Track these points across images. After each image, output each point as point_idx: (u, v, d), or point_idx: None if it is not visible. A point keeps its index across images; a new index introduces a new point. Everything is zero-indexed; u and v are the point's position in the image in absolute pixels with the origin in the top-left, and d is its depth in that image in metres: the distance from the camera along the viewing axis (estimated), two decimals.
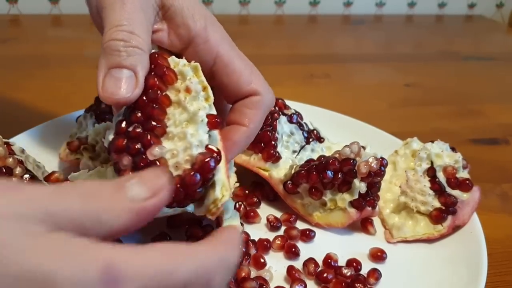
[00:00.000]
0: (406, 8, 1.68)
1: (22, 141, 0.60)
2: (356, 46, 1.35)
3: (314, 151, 0.64)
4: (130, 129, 0.38)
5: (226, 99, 0.48)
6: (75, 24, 1.32)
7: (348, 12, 1.63)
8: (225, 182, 0.41)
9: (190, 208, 0.43)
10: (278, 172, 0.60)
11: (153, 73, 0.40)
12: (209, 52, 0.45)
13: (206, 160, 0.38)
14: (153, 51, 0.42)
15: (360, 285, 0.49)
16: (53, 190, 0.25)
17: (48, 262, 0.22)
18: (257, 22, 1.48)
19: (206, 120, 0.40)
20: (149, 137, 0.38)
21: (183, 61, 0.42)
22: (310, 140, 0.65)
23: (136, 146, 0.37)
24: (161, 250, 0.25)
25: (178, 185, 0.38)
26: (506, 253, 0.58)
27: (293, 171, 0.58)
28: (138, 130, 0.38)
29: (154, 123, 0.39)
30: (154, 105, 0.39)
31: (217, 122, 0.41)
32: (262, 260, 0.52)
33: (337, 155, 0.56)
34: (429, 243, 0.57)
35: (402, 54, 1.29)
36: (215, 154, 0.39)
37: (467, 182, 0.58)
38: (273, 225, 0.57)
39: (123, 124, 0.39)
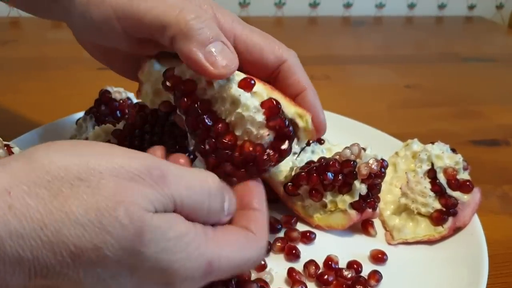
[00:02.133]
0: (406, 10, 1.68)
1: (22, 144, 0.60)
2: (356, 48, 1.36)
3: (315, 153, 0.64)
4: (207, 147, 0.43)
5: (261, 75, 0.48)
6: None
7: (348, 13, 1.63)
8: (298, 111, 0.45)
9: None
10: (278, 174, 0.60)
11: (176, 95, 0.43)
12: (227, 38, 0.45)
13: (271, 106, 0.42)
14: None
15: (361, 287, 0.49)
16: (187, 187, 0.33)
17: (174, 261, 0.31)
18: (257, 24, 1.46)
19: (241, 91, 0.42)
20: (224, 140, 0.42)
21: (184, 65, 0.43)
22: (310, 141, 0.65)
23: (226, 152, 0.42)
24: (238, 243, 0.35)
25: (273, 141, 0.43)
26: (507, 254, 0.58)
27: (293, 173, 0.58)
28: (212, 141, 0.43)
29: (217, 127, 0.43)
30: (203, 117, 0.43)
31: (249, 82, 0.43)
32: (262, 262, 0.51)
33: (338, 156, 0.56)
34: (430, 244, 0.57)
35: (402, 56, 1.30)
36: (273, 101, 0.43)
37: (468, 183, 0.58)
38: (273, 227, 0.57)
39: (202, 146, 0.43)
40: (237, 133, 0.43)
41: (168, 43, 0.41)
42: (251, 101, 0.42)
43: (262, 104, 0.43)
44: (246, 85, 0.43)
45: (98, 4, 0.42)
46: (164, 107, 0.48)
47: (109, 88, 0.67)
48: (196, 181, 0.34)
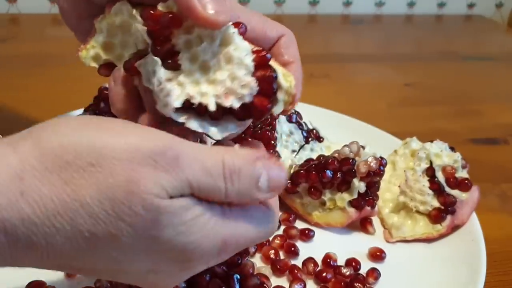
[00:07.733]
0: (406, 8, 1.67)
1: None
2: (356, 46, 1.35)
3: (314, 151, 0.64)
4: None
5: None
6: None
7: (348, 11, 1.62)
8: (284, 71, 0.41)
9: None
10: None
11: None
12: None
13: (262, 55, 0.39)
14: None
15: (359, 284, 0.49)
16: (202, 169, 0.32)
17: (190, 242, 0.31)
18: None
19: (235, 30, 0.39)
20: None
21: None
22: (310, 139, 0.65)
23: None
24: (255, 220, 0.35)
25: (258, 95, 0.39)
26: (505, 252, 0.58)
27: (292, 171, 0.58)
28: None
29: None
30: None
31: (240, 26, 0.40)
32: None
33: (337, 154, 0.56)
34: (428, 242, 0.57)
35: (401, 54, 1.29)
36: (265, 52, 0.39)
37: (466, 182, 0.58)
38: None
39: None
40: (221, 77, 0.38)
41: None
42: (244, 44, 0.39)
43: (254, 51, 0.39)
44: (239, 26, 0.40)
45: None
46: (104, 69, 0.43)
47: (108, 85, 0.67)
48: (211, 162, 0.32)
